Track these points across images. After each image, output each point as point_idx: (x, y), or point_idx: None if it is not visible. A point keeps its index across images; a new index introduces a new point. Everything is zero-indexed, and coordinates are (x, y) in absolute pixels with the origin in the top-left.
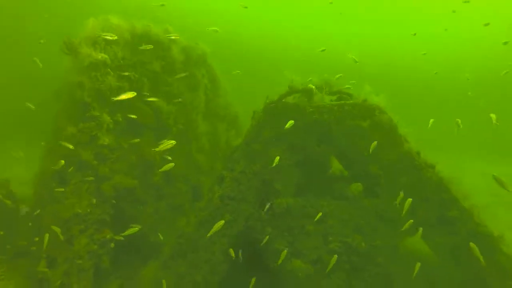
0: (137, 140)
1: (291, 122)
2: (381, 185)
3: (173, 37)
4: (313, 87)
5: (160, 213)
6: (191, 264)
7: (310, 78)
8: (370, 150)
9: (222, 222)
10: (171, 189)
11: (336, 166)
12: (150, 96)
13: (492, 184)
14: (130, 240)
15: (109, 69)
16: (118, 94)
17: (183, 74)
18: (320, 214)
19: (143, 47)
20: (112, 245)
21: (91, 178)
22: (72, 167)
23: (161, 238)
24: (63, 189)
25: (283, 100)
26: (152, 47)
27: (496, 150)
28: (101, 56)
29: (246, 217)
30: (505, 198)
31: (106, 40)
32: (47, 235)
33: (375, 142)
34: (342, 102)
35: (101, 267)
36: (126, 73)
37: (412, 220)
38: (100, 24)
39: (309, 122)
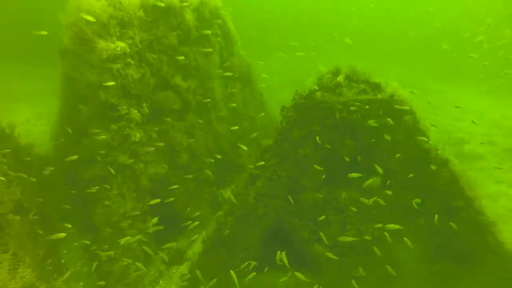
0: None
1: None
2: (398, 179)
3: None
4: (342, 81)
5: (190, 190)
6: (230, 252)
7: (336, 67)
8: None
9: None
10: (197, 164)
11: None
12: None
13: (489, 130)
14: (167, 218)
15: (129, 59)
16: (141, 84)
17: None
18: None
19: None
20: (174, 246)
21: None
22: (112, 172)
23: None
24: (108, 194)
25: (312, 96)
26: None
27: None
28: (120, 45)
29: (277, 210)
30: (500, 146)
31: (119, 22)
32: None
33: (398, 155)
34: (370, 98)
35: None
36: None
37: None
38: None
39: (337, 120)
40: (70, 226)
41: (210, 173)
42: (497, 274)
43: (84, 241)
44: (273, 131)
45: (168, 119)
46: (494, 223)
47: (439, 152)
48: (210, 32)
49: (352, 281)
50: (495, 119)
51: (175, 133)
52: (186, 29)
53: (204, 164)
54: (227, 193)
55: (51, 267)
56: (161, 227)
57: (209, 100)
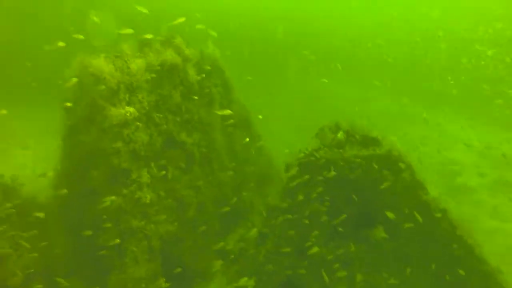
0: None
1: None
2: (400, 229)
3: (187, 53)
4: (343, 138)
5: (198, 244)
6: None
7: (336, 123)
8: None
9: None
10: (204, 216)
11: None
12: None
13: (477, 160)
14: (176, 273)
15: (138, 123)
16: (149, 145)
17: None
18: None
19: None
20: None
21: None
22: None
23: None
24: (122, 261)
25: (315, 154)
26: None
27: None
28: (130, 111)
29: (285, 266)
30: (490, 178)
31: (128, 87)
32: None
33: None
34: (370, 153)
35: None
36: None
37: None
38: (110, 63)
39: (340, 176)
40: None
41: (217, 225)
42: None
43: None
44: (278, 187)
45: (174, 175)
46: (498, 270)
47: (437, 202)
48: (211, 83)
49: None
50: (481, 149)
51: (182, 189)
52: (189, 84)
53: (211, 216)
54: (231, 244)
55: None
56: None
57: (212, 151)
